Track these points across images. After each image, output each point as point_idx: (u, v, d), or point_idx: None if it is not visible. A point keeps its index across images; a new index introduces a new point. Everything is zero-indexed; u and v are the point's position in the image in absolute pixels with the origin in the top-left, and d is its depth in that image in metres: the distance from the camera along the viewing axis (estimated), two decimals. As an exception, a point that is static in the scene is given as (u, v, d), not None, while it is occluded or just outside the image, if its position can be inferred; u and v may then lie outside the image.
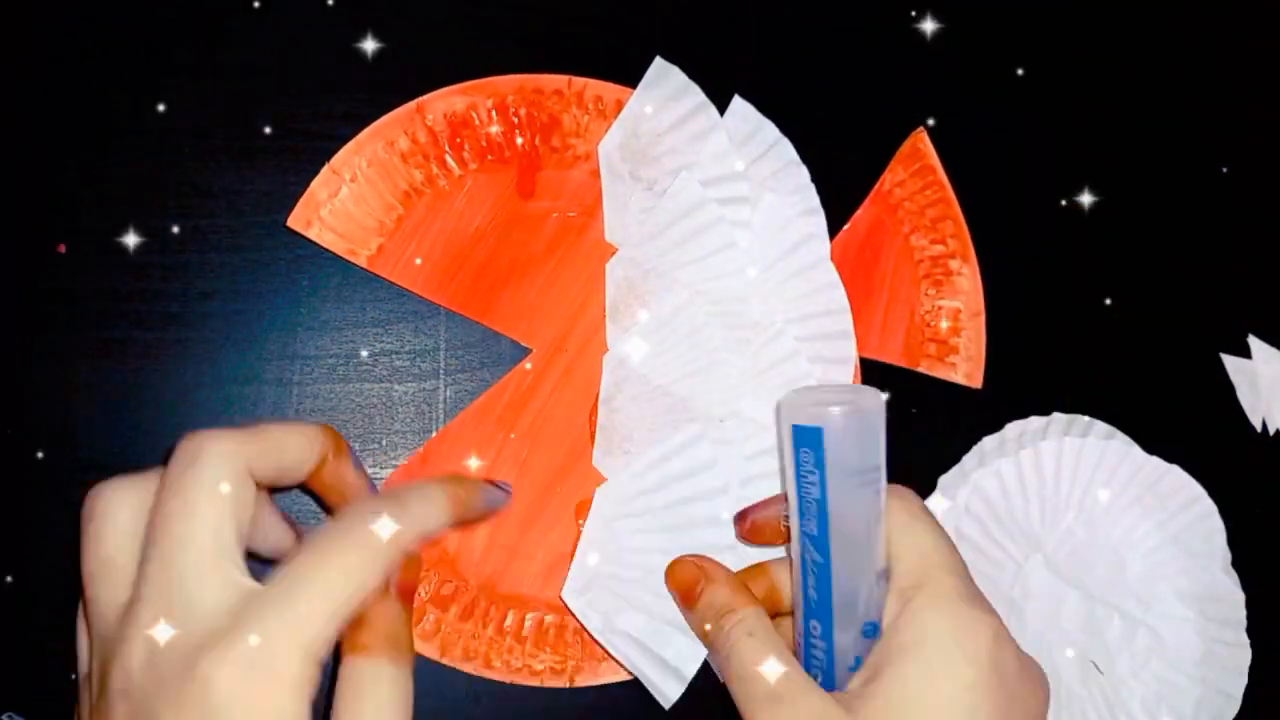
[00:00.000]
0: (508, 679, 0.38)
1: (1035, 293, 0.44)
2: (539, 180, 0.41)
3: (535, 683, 0.38)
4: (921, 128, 0.43)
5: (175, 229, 0.40)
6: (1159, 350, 0.44)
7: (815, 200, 0.41)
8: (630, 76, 0.41)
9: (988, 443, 0.42)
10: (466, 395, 0.40)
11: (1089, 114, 0.45)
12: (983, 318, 0.43)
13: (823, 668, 0.32)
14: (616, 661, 0.39)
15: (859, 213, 0.43)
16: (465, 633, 0.38)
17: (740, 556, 0.37)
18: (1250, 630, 0.41)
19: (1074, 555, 0.41)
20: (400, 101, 0.40)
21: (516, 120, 0.41)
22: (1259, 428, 0.45)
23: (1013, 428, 0.43)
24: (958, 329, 0.43)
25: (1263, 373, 0.44)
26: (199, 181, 0.40)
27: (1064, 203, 0.45)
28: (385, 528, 0.27)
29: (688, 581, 0.35)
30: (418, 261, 0.40)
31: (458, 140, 0.40)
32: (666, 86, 0.41)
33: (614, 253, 0.41)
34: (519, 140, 0.41)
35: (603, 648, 0.38)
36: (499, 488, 0.34)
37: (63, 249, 0.40)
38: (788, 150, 0.41)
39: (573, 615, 0.39)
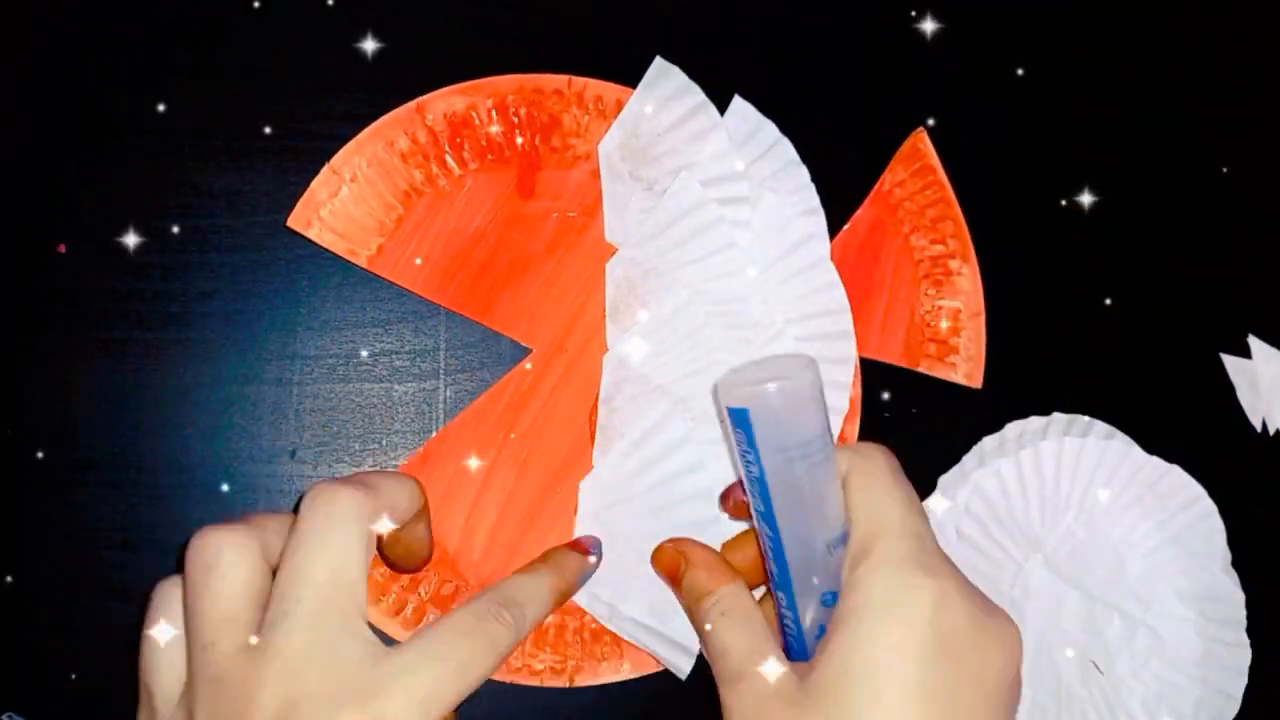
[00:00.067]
0: (507, 679, 0.38)
1: (1035, 293, 0.44)
2: (539, 180, 0.41)
3: (535, 682, 0.38)
4: (921, 128, 0.43)
5: (175, 229, 0.40)
6: (1159, 350, 0.44)
7: (815, 200, 0.41)
8: (630, 76, 0.41)
9: (988, 443, 0.42)
10: (466, 395, 0.40)
11: (1089, 114, 0.45)
12: (983, 318, 0.43)
13: (795, 637, 0.33)
14: (616, 660, 0.39)
15: (859, 213, 0.43)
16: (465, 633, 0.38)
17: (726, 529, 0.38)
18: (1250, 630, 0.41)
19: (1074, 555, 0.41)
20: (400, 101, 0.40)
21: (516, 120, 0.41)
22: (1259, 428, 0.45)
23: (1013, 428, 0.43)
24: (958, 329, 0.43)
25: (1263, 373, 0.44)
26: (199, 181, 0.40)
27: (1064, 203, 0.45)
28: (507, 628, 0.29)
29: (670, 566, 0.36)
30: (418, 261, 0.40)
31: (458, 140, 0.40)
32: (667, 86, 0.41)
33: (614, 253, 0.41)
34: (519, 140, 0.41)
35: (611, 639, 0.38)
36: (592, 553, 0.36)
37: (63, 249, 0.40)
38: (788, 150, 0.41)
39: (572, 615, 0.39)
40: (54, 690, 0.38)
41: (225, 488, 0.39)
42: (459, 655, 0.28)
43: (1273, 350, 0.45)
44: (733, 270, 0.40)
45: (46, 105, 0.40)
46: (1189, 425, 0.44)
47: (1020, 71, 0.45)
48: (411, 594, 0.38)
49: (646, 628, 0.38)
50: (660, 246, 0.40)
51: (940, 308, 0.43)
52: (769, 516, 0.31)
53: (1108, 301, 0.44)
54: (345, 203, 0.40)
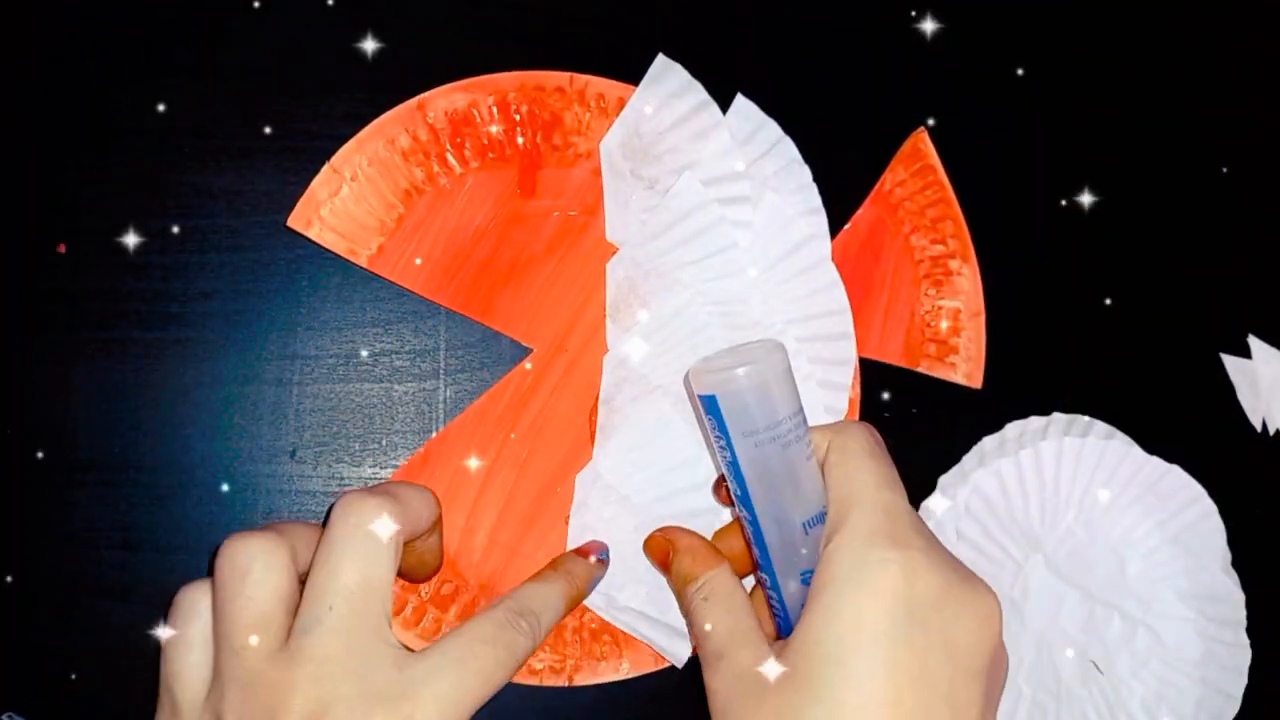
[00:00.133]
0: (508, 679, 0.38)
1: (1035, 293, 0.44)
2: (540, 179, 0.41)
3: (534, 681, 0.38)
4: (922, 128, 0.43)
5: (175, 229, 0.40)
6: (1159, 350, 0.44)
7: (817, 200, 0.41)
8: (631, 77, 0.41)
9: (988, 443, 0.42)
10: (466, 395, 0.40)
11: (1089, 114, 0.45)
12: (983, 318, 0.43)
13: (781, 618, 0.33)
14: (615, 659, 0.39)
15: (859, 212, 0.43)
16: (465, 633, 0.38)
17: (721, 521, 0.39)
18: (1250, 630, 0.41)
19: (1074, 555, 0.41)
20: (400, 101, 0.40)
21: (518, 118, 0.41)
22: (1259, 428, 0.45)
23: (1013, 428, 0.43)
24: (958, 329, 0.43)
25: (1263, 373, 0.44)
26: (199, 181, 0.40)
27: (1064, 203, 0.45)
28: (525, 636, 0.31)
29: (659, 553, 0.36)
30: (418, 261, 0.40)
31: (459, 138, 0.40)
32: (669, 84, 0.41)
33: (615, 252, 0.41)
34: (520, 138, 0.41)
35: (608, 635, 0.38)
36: (599, 559, 0.37)
37: (63, 249, 0.40)
38: (790, 149, 0.41)
39: (571, 614, 0.39)
40: (54, 690, 0.38)
41: (225, 488, 0.39)
42: (482, 662, 0.29)
43: (1273, 350, 0.45)
44: (734, 270, 0.40)
45: (46, 105, 0.40)
46: (1189, 425, 0.44)
47: (1020, 71, 0.45)
48: (411, 594, 0.38)
49: (645, 616, 0.38)
50: (662, 246, 0.40)
51: (940, 308, 0.43)
52: (746, 500, 0.32)
53: (1108, 301, 0.44)
54: (345, 202, 0.40)
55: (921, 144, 0.43)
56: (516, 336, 0.41)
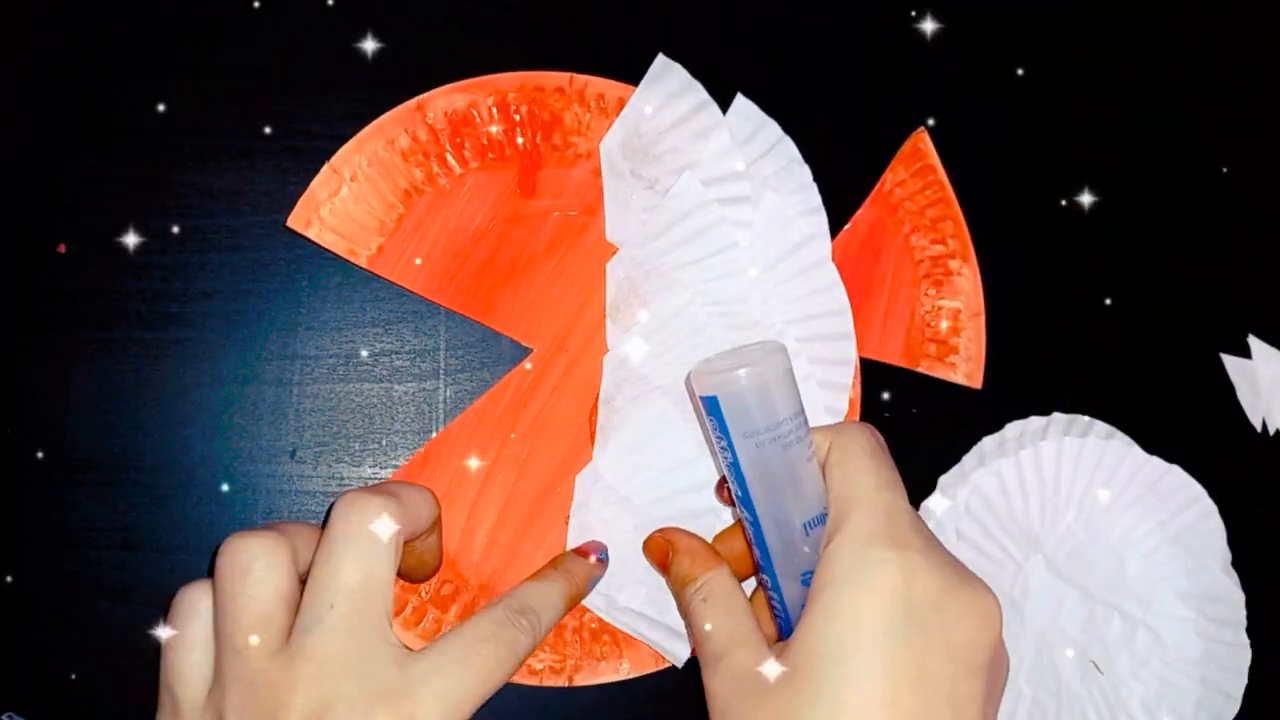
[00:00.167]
0: (508, 679, 0.38)
1: (1035, 293, 0.44)
2: (540, 179, 0.41)
3: (534, 682, 0.38)
4: (922, 128, 0.43)
5: (175, 229, 0.40)
6: (1159, 350, 0.44)
7: (817, 199, 0.41)
8: (631, 77, 0.41)
9: (988, 443, 0.42)
10: (466, 395, 0.40)
11: (1089, 114, 0.45)
12: (983, 318, 0.43)
13: (782, 619, 0.33)
14: (615, 659, 0.39)
15: (859, 212, 0.43)
16: (465, 633, 0.38)
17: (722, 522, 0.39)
18: (1250, 630, 0.41)
19: (1074, 555, 0.41)
20: (400, 101, 0.40)
21: (518, 118, 0.41)
22: (1259, 428, 0.45)
23: (1013, 428, 0.43)
24: (958, 329, 0.43)
25: (1263, 373, 0.44)
26: (199, 181, 0.40)
27: (1064, 203, 0.45)
28: (525, 634, 0.31)
29: (658, 554, 0.37)
30: (418, 261, 0.40)
31: (458, 138, 0.40)
32: (669, 84, 0.41)
33: (615, 252, 0.41)
34: (520, 138, 0.41)
35: (607, 635, 0.38)
36: (599, 559, 0.37)
37: (63, 249, 0.40)
38: (790, 149, 0.41)
39: (571, 614, 0.39)
40: (54, 690, 0.38)
41: (225, 488, 0.39)
42: (482, 660, 0.29)
43: (1273, 350, 0.45)
44: (734, 270, 0.40)
45: (46, 105, 0.40)
46: (1189, 425, 0.44)
47: (1020, 71, 0.45)
48: (411, 594, 0.38)
49: (644, 617, 0.38)
50: (661, 246, 0.40)
51: (940, 308, 0.43)
52: (747, 500, 0.32)
53: (1108, 301, 0.44)
54: (345, 202, 0.40)
55: (921, 144, 0.43)
56: (516, 336, 0.41)
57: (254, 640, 0.27)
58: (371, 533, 0.29)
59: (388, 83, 0.40)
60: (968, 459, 0.42)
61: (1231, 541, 0.42)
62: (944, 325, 0.43)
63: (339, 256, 0.40)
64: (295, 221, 0.39)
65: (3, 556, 0.38)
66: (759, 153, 0.41)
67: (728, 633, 0.32)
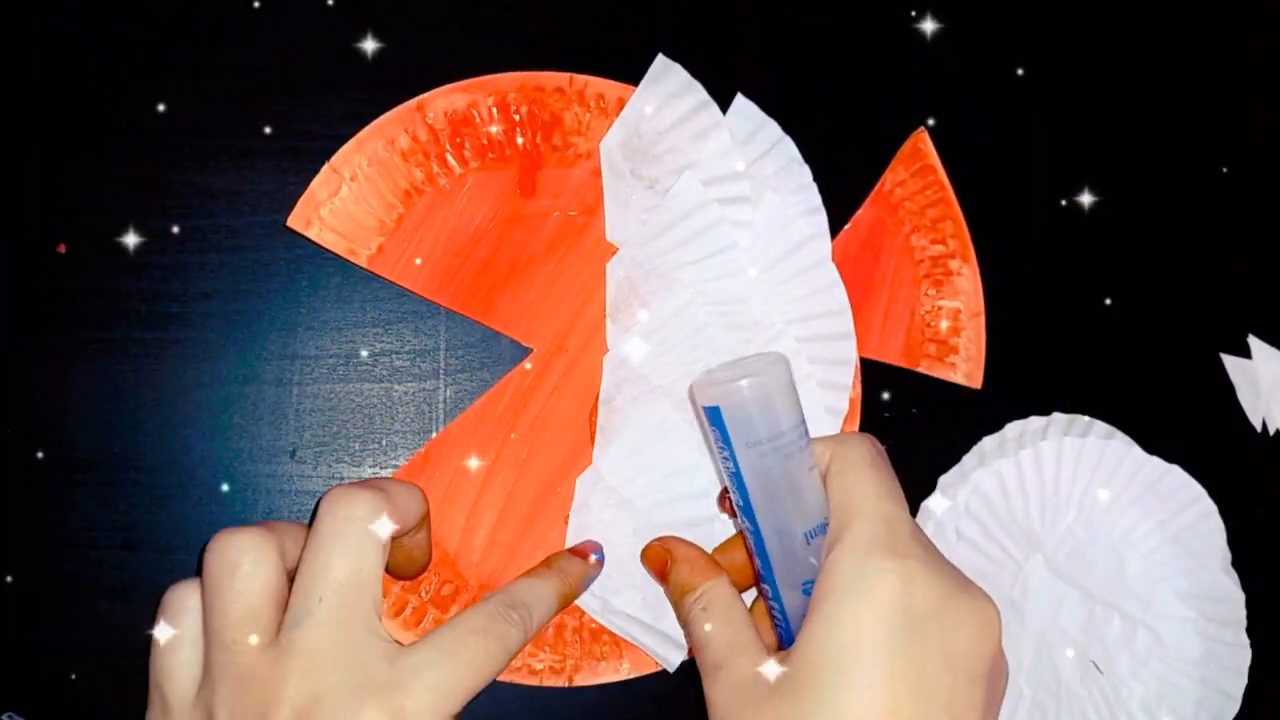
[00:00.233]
0: (507, 678, 0.38)
1: (1035, 293, 0.44)
2: (540, 179, 0.41)
3: (534, 682, 0.38)
4: (922, 128, 0.43)
5: (175, 229, 0.40)
6: (1159, 350, 0.44)
7: (817, 200, 0.41)
8: (631, 77, 0.41)
9: (988, 443, 0.42)
10: (466, 395, 0.40)
11: (1089, 114, 0.45)
12: (983, 318, 0.43)
13: (783, 629, 0.33)
14: (615, 660, 0.39)
15: (859, 212, 0.43)
16: (465, 633, 0.38)
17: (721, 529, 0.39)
18: (1250, 630, 0.41)
19: (1074, 555, 0.41)
20: (400, 101, 0.40)
21: (517, 118, 0.41)
22: (1259, 428, 0.45)
23: (1013, 428, 0.43)
24: (958, 329, 0.43)
25: (1263, 373, 0.44)
26: (199, 181, 0.40)
27: (1064, 203, 0.45)
28: (516, 629, 0.30)
29: (657, 563, 0.37)
30: (418, 261, 0.40)
31: (458, 138, 0.40)
32: (668, 84, 0.41)
33: (615, 252, 0.41)
34: (520, 139, 0.41)
35: (604, 635, 0.38)
36: (595, 559, 0.37)
37: (63, 249, 0.40)
38: (790, 149, 0.41)
39: (571, 615, 0.39)
40: (54, 690, 0.38)
41: (225, 488, 0.39)
42: (473, 653, 0.29)
43: (1273, 350, 0.45)
44: (734, 270, 0.40)
45: (46, 105, 0.40)
46: (1189, 425, 0.44)
47: (1020, 71, 0.45)
48: (412, 595, 0.38)
49: (638, 622, 0.38)
50: (661, 246, 0.40)
51: (940, 308, 0.43)
52: (748, 510, 0.32)
53: (1108, 301, 0.44)
54: (345, 202, 0.40)
55: (921, 144, 0.43)
56: (516, 336, 0.41)
57: (243, 635, 0.27)
58: (359, 527, 0.29)
59: (388, 83, 0.40)
60: (968, 459, 0.42)
61: (1231, 541, 0.42)
62: (944, 325, 0.43)
63: (339, 256, 0.40)
64: (295, 221, 0.39)
65: (3, 556, 0.38)
66: (759, 153, 0.41)
67: (728, 641, 0.32)
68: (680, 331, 0.40)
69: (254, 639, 0.27)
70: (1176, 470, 0.41)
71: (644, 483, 0.39)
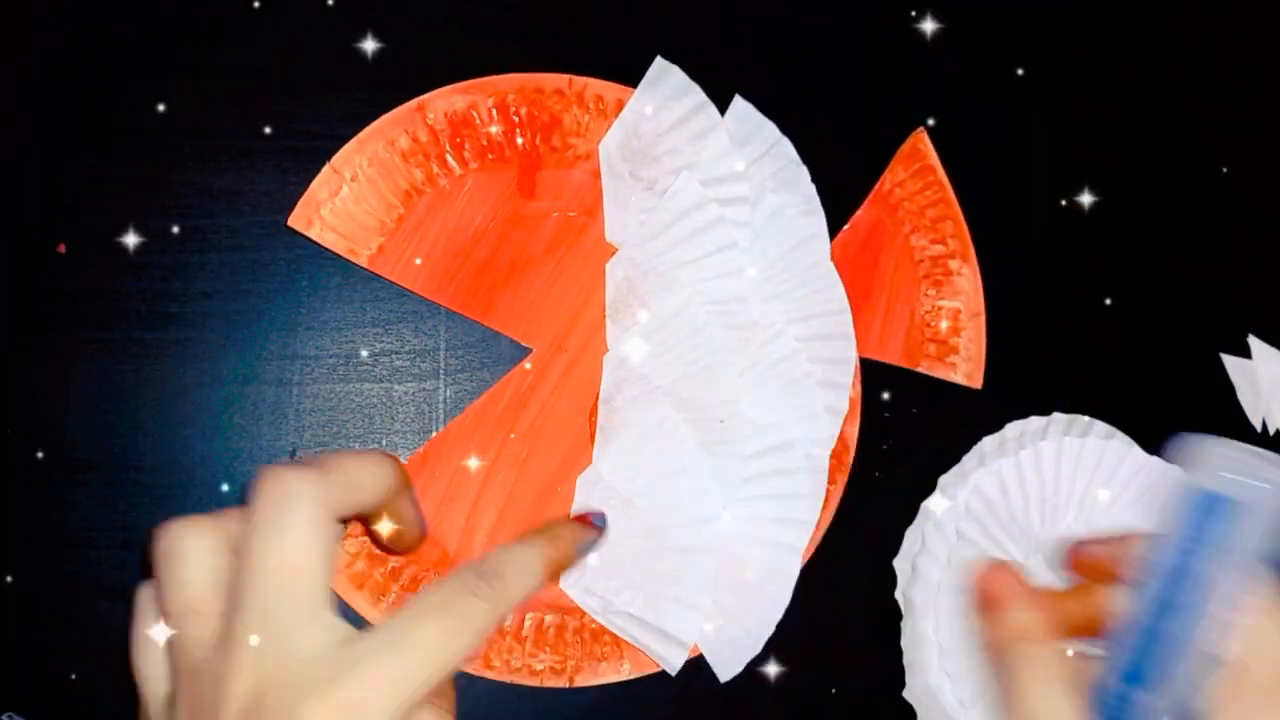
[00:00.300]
0: (508, 679, 0.38)
1: (1035, 293, 0.44)
2: (539, 180, 0.41)
3: (535, 683, 0.38)
4: (921, 128, 0.43)
5: (175, 229, 0.40)
6: (1159, 350, 0.44)
7: (816, 200, 0.41)
8: (631, 77, 0.41)
9: (988, 443, 0.42)
10: (466, 395, 0.40)
11: (1089, 114, 0.45)
12: (983, 318, 0.43)
13: (1109, 714, 0.31)
14: (616, 660, 0.39)
15: (859, 213, 0.43)
16: (465, 633, 0.38)
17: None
18: (1250, 630, 0.41)
19: (1074, 555, 0.41)
20: (400, 101, 0.40)
21: (517, 119, 0.41)
22: (1259, 428, 0.45)
23: (1013, 428, 0.43)
24: (958, 329, 0.43)
25: (1263, 373, 0.44)
26: (199, 181, 0.40)
27: (1064, 203, 0.45)
28: (485, 602, 0.27)
29: (992, 590, 0.33)
30: (418, 261, 0.40)
31: (458, 139, 0.40)
32: (667, 86, 0.41)
33: (614, 252, 0.41)
34: (519, 140, 0.41)
35: (604, 635, 0.38)
36: (594, 525, 0.34)
37: (63, 249, 0.40)
38: (788, 150, 0.41)
39: (572, 615, 0.39)
40: (54, 690, 0.38)
41: (225, 488, 0.39)
42: (428, 636, 0.27)
43: (1273, 350, 0.45)
44: (733, 270, 0.40)
45: (46, 105, 0.40)
46: (1189, 425, 0.44)
47: (1020, 71, 0.45)
48: (412, 593, 0.38)
49: (640, 622, 0.38)
50: (661, 246, 0.40)
51: (940, 308, 0.43)
52: (1162, 607, 0.29)
53: (1108, 301, 0.44)
54: (346, 202, 0.40)
55: (921, 144, 0.43)
56: (516, 336, 0.41)
57: (187, 629, 0.26)
58: (292, 511, 0.27)
59: (388, 83, 0.40)
60: (968, 459, 0.42)
61: (1231, 541, 0.42)
62: (944, 325, 0.43)
63: (339, 256, 0.40)
64: (296, 221, 0.39)
65: (3, 556, 0.38)
66: (757, 154, 0.41)
67: (1062, 716, 0.29)
68: (680, 331, 0.40)
69: (199, 633, 0.26)
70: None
71: (644, 483, 0.39)
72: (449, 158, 0.40)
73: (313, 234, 0.39)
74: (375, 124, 0.40)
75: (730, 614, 0.39)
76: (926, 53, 0.44)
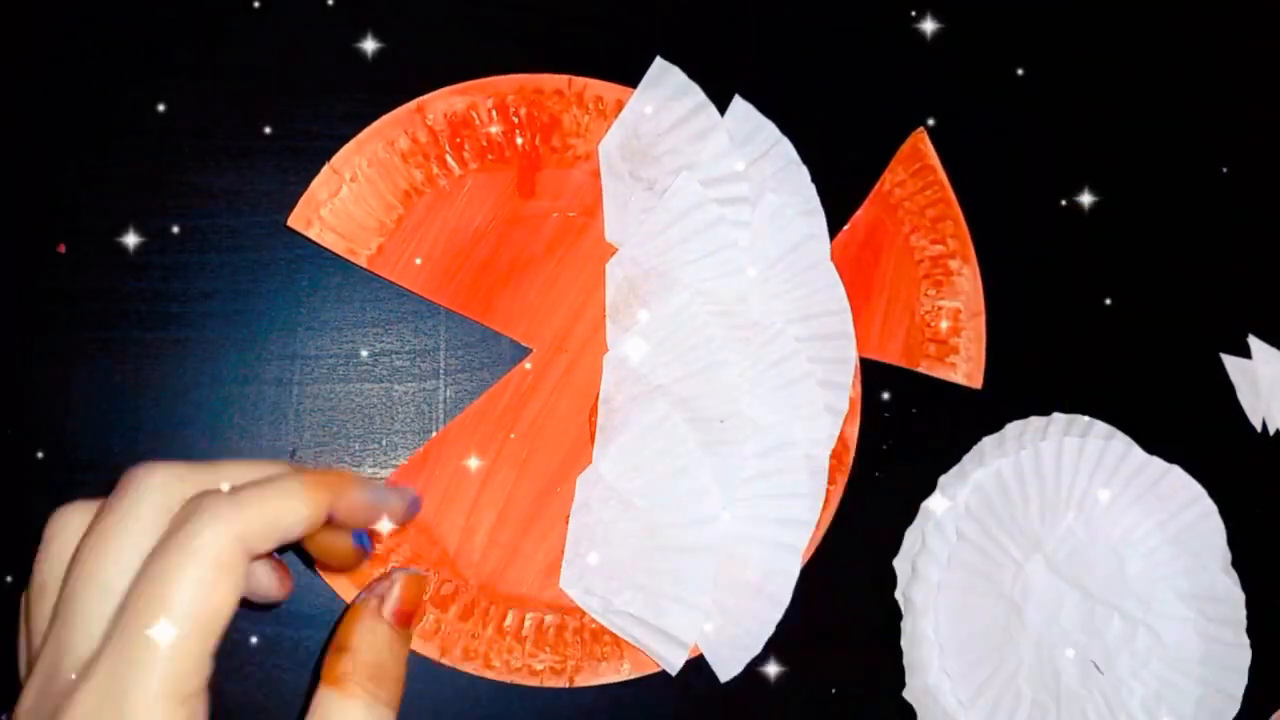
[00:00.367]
0: (507, 679, 0.38)
1: (1035, 293, 0.44)
2: (539, 180, 0.41)
3: (535, 683, 0.38)
4: (921, 128, 0.43)
5: (175, 229, 0.40)
6: (1159, 350, 0.44)
7: (815, 200, 0.41)
8: (630, 77, 0.41)
9: (988, 443, 0.42)
10: (466, 395, 0.40)
11: (1089, 114, 0.45)
12: (983, 318, 0.43)
13: None
14: (616, 660, 0.39)
15: (859, 213, 0.43)
16: (465, 632, 0.38)
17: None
18: (1250, 630, 0.41)
19: (1074, 555, 0.41)
20: (400, 101, 0.40)
21: (517, 120, 0.41)
22: (1259, 428, 0.45)
23: (1013, 428, 0.43)
24: (958, 329, 0.43)
25: (1263, 373, 0.44)
26: (199, 181, 0.40)
27: (1064, 203, 0.45)
28: (231, 524, 0.25)
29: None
30: (418, 261, 0.40)
31: (458, 140, 0.40)
32: (667, 86, 0.41)
33: (614, 253, 0.41)
34: (519, 140, 0.41)
35: (602, 636, 0.38)
36: (404, 496, 0.30)
37: (63, 249, 0.40)
38: (788, 150, 0.41)
39: (572, 615, 0.39)
40: (54, 690, 0.38)
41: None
42: (171, 610, 0.24)
43: (1273, 350, 0.45)
44: (733, 270, 0.40)
45: (46, 105, 0.40)
46: (1189, 425, 0.44)
47: (1020, 71, 0.45)
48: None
49: (641, 622, 0.38)
50: (660, 246, 0.40)
51: (940, 308, 0.43)
52: None
53: (1108, 301, 0.44)
54: (345, 202, 0.40)
55: (921, 144, 0.43)
56: (516, 336, 0.41)
57: (39, 602, 0.27)
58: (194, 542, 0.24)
59: (388, 83, 0.40)
60: (968, 459, 0.42)
61: (1231, 541, 0.42)
62: (944, 325, 0.43)
63: (339, 256, 0.40)
64: (296, 221, 0.39)
65: (3, 556, 0.38)
66: (757, 154, 0.41)
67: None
68: (680, 331, 0.40)
69: (43, 609, 0.27)
70: (1176, 470, 0.41)
71: (644, 483, 0.39)
72: (449, 158, 0.40)
73: (312, 234, 0.39)
74: (375, 124, 0.40)
75: (730, 614, 0.39)
76: (926, 53, 0.44)
